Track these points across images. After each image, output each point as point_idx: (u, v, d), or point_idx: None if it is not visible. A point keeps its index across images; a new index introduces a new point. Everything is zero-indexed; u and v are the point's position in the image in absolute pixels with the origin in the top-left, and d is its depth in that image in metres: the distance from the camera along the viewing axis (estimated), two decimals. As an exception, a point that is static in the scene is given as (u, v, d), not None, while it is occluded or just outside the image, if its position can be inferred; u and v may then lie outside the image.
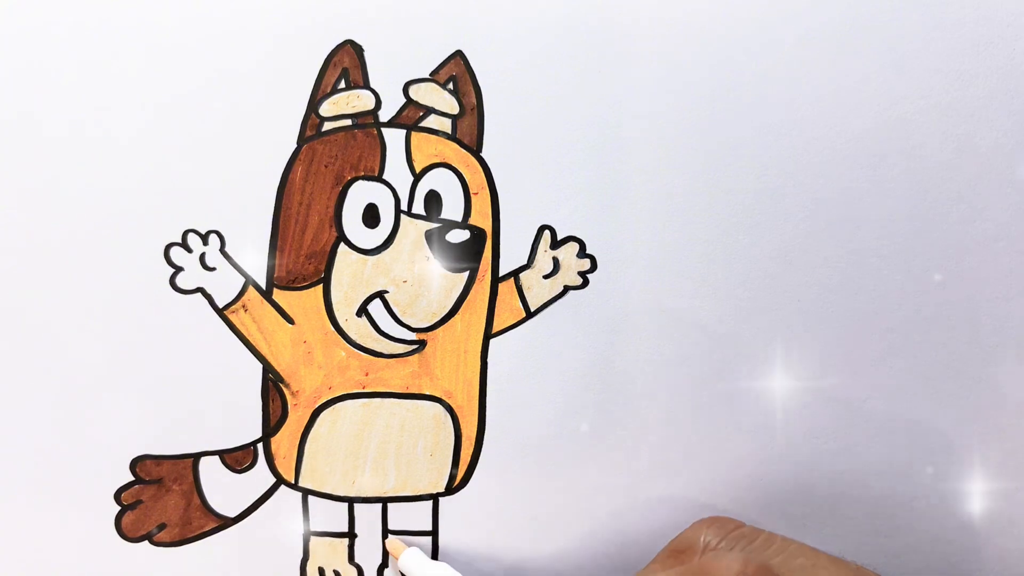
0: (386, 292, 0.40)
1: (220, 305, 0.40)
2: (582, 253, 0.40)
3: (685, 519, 0.40)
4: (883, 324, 0.40)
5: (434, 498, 0.41)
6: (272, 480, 0.40)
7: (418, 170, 0.40)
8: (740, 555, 0.30)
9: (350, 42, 0.40)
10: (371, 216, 0.40)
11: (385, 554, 0.41)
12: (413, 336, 0.40)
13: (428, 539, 0.41)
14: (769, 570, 0.29)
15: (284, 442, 0.40)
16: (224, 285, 0.40)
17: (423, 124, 0.40)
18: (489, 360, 0.41)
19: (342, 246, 0.40)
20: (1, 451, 0.40)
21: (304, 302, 0.40)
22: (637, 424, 0.40)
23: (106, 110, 0.40)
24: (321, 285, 0.40)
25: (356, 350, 0.40)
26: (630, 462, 0.40)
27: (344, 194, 0.40)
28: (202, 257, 0.40)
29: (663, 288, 0.40)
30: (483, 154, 0.40)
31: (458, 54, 0.40)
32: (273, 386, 0.40)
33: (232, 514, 0.40)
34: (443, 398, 0.40)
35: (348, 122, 0.40)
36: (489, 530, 0.41)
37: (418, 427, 0.40)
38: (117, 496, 0.40)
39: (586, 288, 0.41)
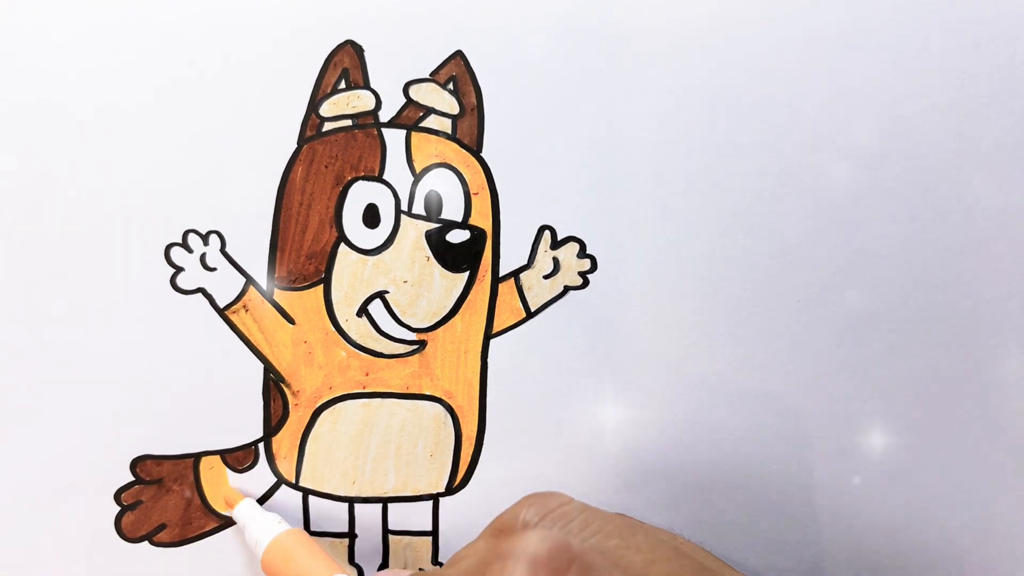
0: (386, 292, 0.40)
1: (221, 305, 0.40)
2: (582, 253, 0.40)
3: (686, 520, 0.40)
4: (883, 324, 0.40)
5: (434, 498, 0.41)
6: (273, 480, 0.40)
7: (418, 170, 0.40)
8: (541, 533, 0.29)
9: (350, 42, 0.40)
10: (371, 216, 0.40)
11: (385, 554, 0.41)
12: (413, 336, 0.40)
13: (428, 539, 0.41)
14: (568, 549, 0.28)
15: (285, 442, 0.40)
16: (225, 285, 0.40)
17: (423, 124, 0.40)
18: (489, 360, 0.41)
19: (342, 246, 0.40)
20: (1, 451, 0.40)
21: (304, 302, 0.40)
22: (637, 424, 0.40)
23: (105, 110, 0.40)
24: (321, 285, 0.40)
25: (356, 350, 0.40)
26: (631, 462, 0.40)
27: (344, 194, 0.40)
28: (203, 257, 0.40)
29: (663, 288, 0.40)
30: (483, 154, 0.40)
31: (458, 54, 0.40)
32: (274, 386, 0.40)
33: (232, 514, 0.40)
34: (443, 398, 0.40)
35: (348, 122, 0.40)
36: (489, 530, 0.41)
37: (418, 427, 0.40)
38: (117, 496, 0.40)
39: (586, 288, 0.41)
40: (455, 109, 0.40)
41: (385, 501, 0.41)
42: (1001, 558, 0.40)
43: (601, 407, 0.40)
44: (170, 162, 0.40)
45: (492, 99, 0.40)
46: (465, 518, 0.41)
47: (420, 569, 0.40)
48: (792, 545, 0.41)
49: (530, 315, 0.41)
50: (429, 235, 0.40)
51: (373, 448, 0.40)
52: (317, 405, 0.40)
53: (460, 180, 0.40)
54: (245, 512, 0.39)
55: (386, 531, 0.41)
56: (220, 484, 0.40)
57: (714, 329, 0.40)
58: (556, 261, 0.41)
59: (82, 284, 0.39)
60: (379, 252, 0.40)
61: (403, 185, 0.40)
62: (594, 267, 0.40)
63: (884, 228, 0.40)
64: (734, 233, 0.40)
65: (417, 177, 0.40)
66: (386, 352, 0.40)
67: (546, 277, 0.41)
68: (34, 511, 0.40)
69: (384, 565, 0.41)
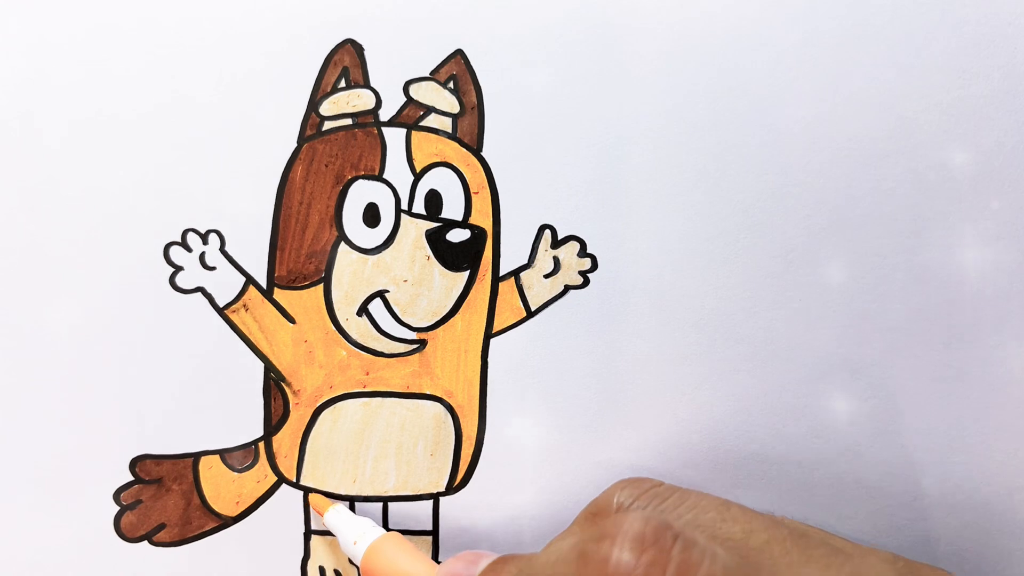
0: (386, 291, 0.40)
1: (221, 304, 0.40)
2: (583, 252, 0.40)
3: (685, 519, 0.40)
4: (883, 324, 0.40)
5: (434, 497, 0.41)
6: (273, 479, 0.40)
7: (418, 169, 0.40)
8: (640, 513, 0.29)
9: (350, 41, 0.40)
10: (371, 215, 0.40)
11: (386, 554, 0.41)
12: (413, 335, 0.40)
13: (428, 538, 0.41)
14: (669, 526, 0.29)
15: (285, 441, 0.40)
16: (224, 284, 0.40)
17: (423, 123, 0.40)
18: (489, 360, 0.41)
19: (342, 245, 0.40)
20: (0, 451, 0.39)
21: (305, 301, 0.40)
22: (637, 424, 0.40)
23: (106, 110, 0.39)
24: (322, 284, 0.40)
25: (357, 349, 0.40)
26: (631, 462, 0.40)
27: (344, 193, 0.40)
28: (202, 256, 0.40)
29: (663, 288, 0.40)
30: (483, 153, 0.40)
31: (458, 53, 0.40)
32: (275, 385, 0.40)
33: (232, 514, 0.40)
34: (444, 398, 0.40)
35: (348, 121, 0.40)
36: (489, 530, 0.41)
37: (418, 426, 0.40)
38: (116, 496, 0.40)
39: (587, 288, 0.41)
40: (455, 108, 0.40)
41: (385, 500, 0.41)
42: (1001, 558, 0.40)
43: (601, 407, 0.40)
44: (170, 161, 0.40)
45: (492, 98, 0.40)
46: (465, 518, 0.41)
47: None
48: (792, 545, 0.41)
49: (530, 314, 0.41)
50: (429, 234, 0.40)
51: (373, 447, 0.40)
52: (317, 404, 0.40)
53: (460, 179, 0.40)
54: (338, 517, 0.39)
55: (386, 531, 0.41)
56: (219, 484, 0.40)
57: (714, 329, 0.40)
58: (556, 260, 0.41)
59: (82, 283, 0.39)
60: (379, 251, 0.40)
61: (403, 184, 0.40)
62: (594, 266, 0.40)
63: (884, 228, 0.40)
64: (734, 233, 0.40)
65: (417, 176, 0.40)
66: (386, 351, 0.40)
67: (546, 276, 0.41)
68: (34, 511, 0.40)
69: (384, 565, 0.41)
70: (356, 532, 0.38)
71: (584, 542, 0.29)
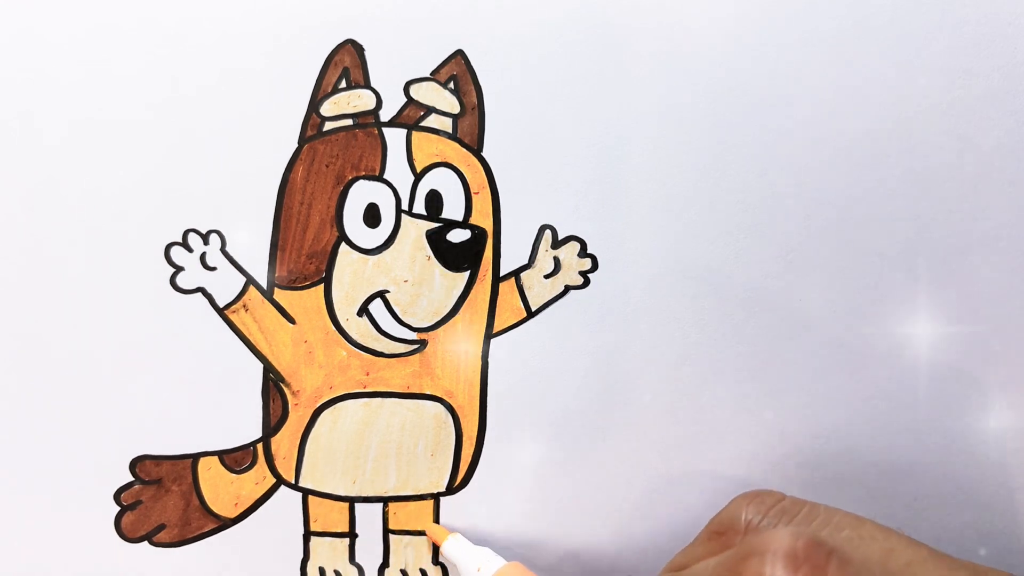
0: (387, 292, 0.40)
1: (221, 305, 0.40)
2: (583, 253, 0.40)
3: (685, 520, 0.40)
4: (883, 324, 0.40)
5: (435, 498, 0.41)
6: (272, 481, 0.40)
7: (419, 169, 0.40)
8: (790, 530, 0.28)
9: (351, 41, 0.40)
10: (372, 216, 0.40)
11: (386, 554, 0.41)
12: (414, 336, 0.40)
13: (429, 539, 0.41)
14: (822, 544, 0.27)
15: (284, 442, 0.40)
16: (225, 285, 0.40)
17: (424, 123, 0.40)
18: (490, 360, 0.41)
19: (343, 246, 0.40)
20: (1, 451, 0.39)
21: (305, 302, 0.40)
22: (638, 424, 0.40)
23: (107, 110, 0.39)
24: (322, 285, 0.40)
25: (357, 350, 0.40)
26: (631, 463, 0.40)
27: (345, 194, 0.40)
28: (203, 257, 0.40)
29: (664, 288, 0.40)
30: (484, 153, 0.40)
31: (459, 53, 0.40)
32: (274, 386, 0.40)
33: (231, 515, 0.40)
34: (444, 398, 0.40)
35: (349, 122, 0.40)
36: (490, 530, 0.41)
37: (419, 427, 0.40)
38: (117, 496, 0.40)
39: (587, 288, 0.41)
40: (456, 108, 0.40)
41: (385, 500, 0.41)
42: (1002, 558, 0.40)
43: (602, 407, 0.40)
44: (171, 161, 0.40)
45: (493, 98, 0.40)
46: (465, 518, 0.41)
47: None
48: (793, 545, 0.40)
49: (531, 314, 0.41)
50: (430, 234, 0.40)
51: (374, 447, 0.40)
52: (317, 405, 0.40)
53: (461, 179, 0.40)
54: (457, 546, 0.39)
55: (387, 530, 0.41)
56: (218, 485, 0.40)
57: (714, 329, 0.40)
58: (557, 260, 0.41)
59: (82, 283, 0.39)
60: (380, 251, 0.40)
61: (404, 184, 0.40)
62: (595, 266, 0.40)
63: (884, 228, 0.40)
64: (734, 233, 0.40)
65: (418, 176, 0.40)
66: (387, 351, 0.40)
67: (547, 276, 0.41)
68: (34, 511, 0.39)
69: (385, 565, 0.41)
70: (479, 560, 0.38)
71: (732, 560, 0.28)
